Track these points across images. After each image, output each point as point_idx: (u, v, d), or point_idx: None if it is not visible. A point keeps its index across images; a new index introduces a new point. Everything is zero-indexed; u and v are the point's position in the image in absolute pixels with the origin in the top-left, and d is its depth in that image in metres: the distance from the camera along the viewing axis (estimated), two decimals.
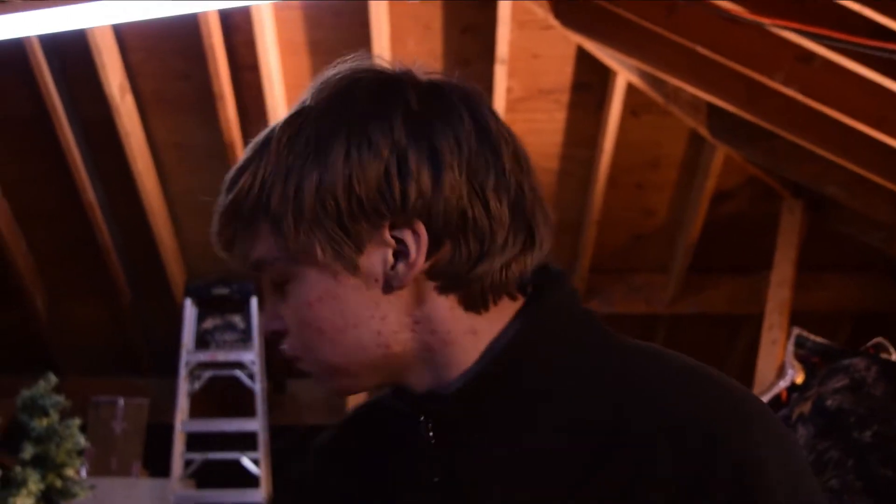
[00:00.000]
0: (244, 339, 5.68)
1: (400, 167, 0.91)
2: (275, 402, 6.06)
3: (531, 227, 0.97)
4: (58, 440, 3.73)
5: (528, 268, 0.97)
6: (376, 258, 0.93)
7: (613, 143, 4.86)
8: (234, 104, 4.84)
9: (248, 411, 5.70)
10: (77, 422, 3.87)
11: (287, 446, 6.05)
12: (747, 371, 5.27)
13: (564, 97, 4.84)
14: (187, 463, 5.62)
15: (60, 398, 3.86)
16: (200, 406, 5.86)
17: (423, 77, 0.98)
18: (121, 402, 6.11)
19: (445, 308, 0.94)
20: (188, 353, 5.62)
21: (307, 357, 0.97)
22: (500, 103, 4.67)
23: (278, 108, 4.80)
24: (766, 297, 5.02)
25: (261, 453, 5.54)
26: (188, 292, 5.66)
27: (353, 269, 0.93)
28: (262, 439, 5.54)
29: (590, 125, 4.93)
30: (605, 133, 4.83)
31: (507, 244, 0.94)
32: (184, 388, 5.63)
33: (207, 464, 5.68)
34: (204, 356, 5.64)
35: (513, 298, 0.98)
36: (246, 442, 5.64)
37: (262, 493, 5.49)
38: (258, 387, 5.61)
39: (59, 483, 3.78)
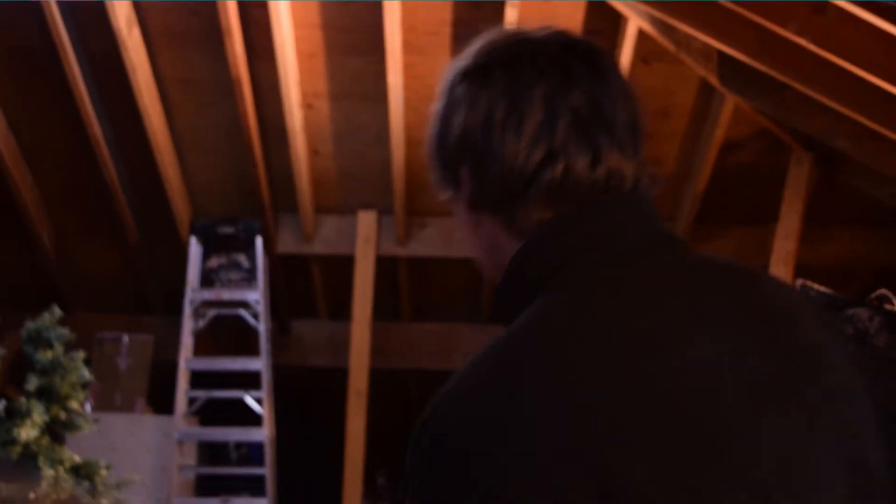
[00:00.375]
0: (249, 278, 5.69)
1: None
2: (279, 343, 6.09)
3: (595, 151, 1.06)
4: (62, 372, 3.74)
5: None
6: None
7: None
8: (241, 40, 4.80)
9: (252, 351, 5.73)
10: (81, 354, 3.89)
11: (290, 387, 6.10)
12: None
13: None
14: (191, 401, 5.65)
15: (65, 331, 3.88)
16: (205, 345, 5.88)
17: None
18: (125, 338, 6.15)
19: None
20: (193, 291, 5.63)
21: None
22: None
23: (286, 44, 4.77)
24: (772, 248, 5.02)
25: (264, 392, 5.57)
26: (193, 230, 5.65)
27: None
28: (266, 378, 5.57)
29: None
30: None
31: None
32: (188, 325, 5.64)
33: (211, 402, 5.72)
34: (208, 294, 5.65)
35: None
36: (250, 381, 5.67)
37: (265, 431, 5.53)
38: (262, 326, 5.62)
39: (62, 415, 3.80)
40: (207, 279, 5.71)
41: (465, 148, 1.08)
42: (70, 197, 5.74)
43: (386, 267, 5.84)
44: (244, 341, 5.95)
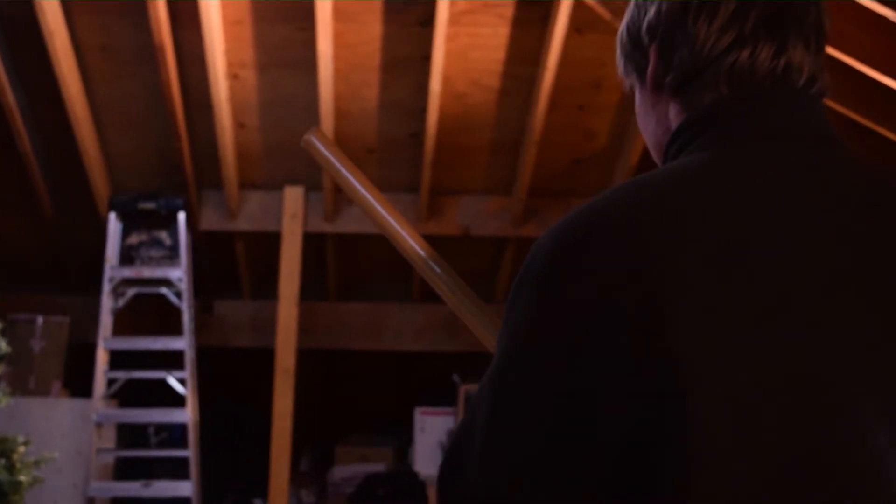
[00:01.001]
0: (171, 255, 5.51)
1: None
2: (201, 324, 5.92)
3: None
4: None
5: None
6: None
7: (557, 61, 4.75)
8: (165, 5, 4.63)
9: (174, 332, 5.55)
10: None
11: (213, 368, 5.93)
12: None
13: (509, 11, 4.71)
14: (110, 382, 5.46)
15: None
16: (125, 327, 5.68)
17: None
18: (39, 319, 5.92)
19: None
20: (112, 268, 5.44)
21: None
22: (442, 15, 4.53)
23: (211, 10, 4.61)
24: None
25: (187, 372, 5.40)
26: (112, 206, 5.45)
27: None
28: (189, 358, 5.40)
29: (533, 42, 4.81)
30: (548, 50, 4.71)
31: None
32: (107, 304, 5.44)
33: (131, 384, 5.53)
34: (128, 272, 5.46)
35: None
36: (172, 362, 5.49)
37: (188, 412, 5.36)
38: (185, 304, 5.45)
39: None
40: (127, 257, 5.52)
41: (658, 28, 1.15)
42: None
43: (313, 245, 5.71)
44: (165, 322, 5.76)
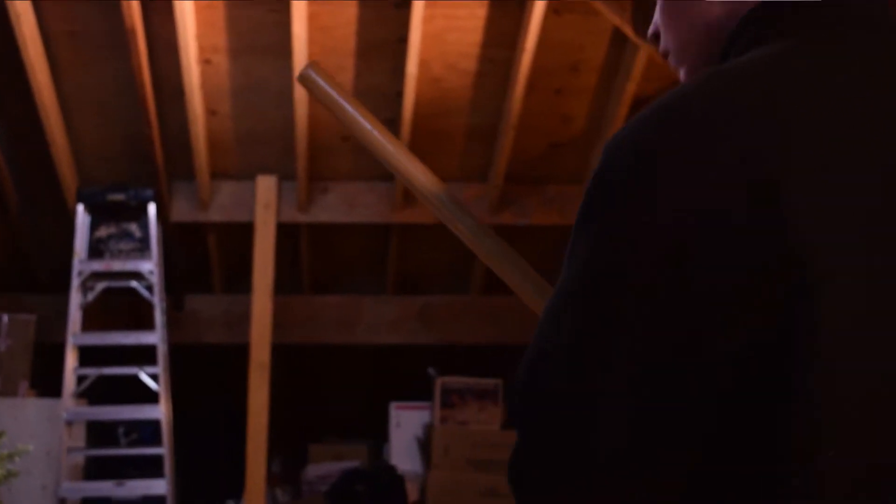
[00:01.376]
0: (141, 248, 5.38)
1: None
2: (172, 320, 5.79)
3: None
4: None
5: None
6: None
7: (535, 44, 4.71)
8: None
9: (145, 328, 5.42)
10: None
11: (185, 365, 5.80)
12: None
13: None
14: (80, 379, 5.32)
15: None
16: (94, 325, 5.55)
17: None
18: (5, 318, 5.75)
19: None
20: (80, 262, 5.30)
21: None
22: None
23: None
24: None
25: (160, 367, 5.27)
26: (80, 197, 5.32)
27: None
28: (162, 352, 5.28)
29: (511, 23, 4.76)
30: (526, 32, 4.67)
31: None
32: (76, 299, 5.31)
33: (101, 383, 5.39)
34: (98, 265, 5.33)
35: None
36: (143, 357, 5.37)
37: (161, 408, 5.23)
38: (157, 298, 5.32)
39: None
40: (96, 250, 5.39)
41: None
42: None
43: (286, 237, 5.61)
44: (136, 319, 5.64)
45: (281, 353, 5.86)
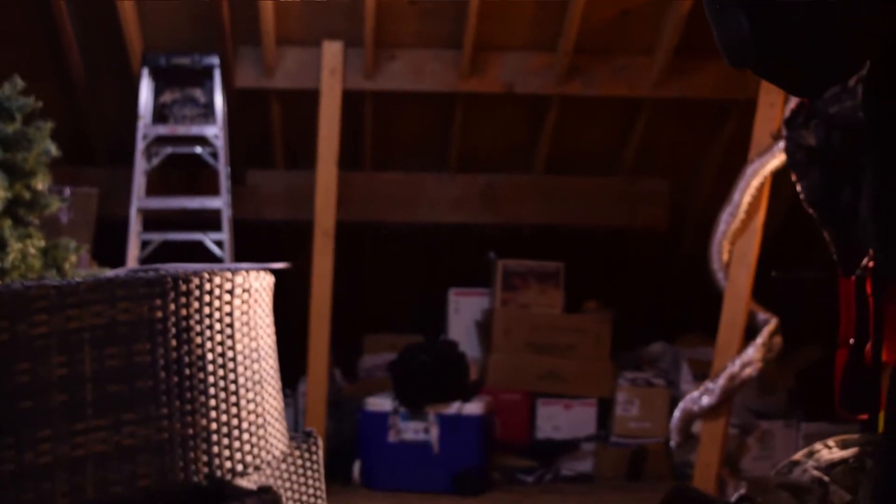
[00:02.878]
0: (206, 113, 5.35)
1: None
2: (233, 195, 5.75)
3: None
4: (27, 144, 3.40)
5: None
6: None
7: None
8: None
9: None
10: (49, 125, 3.55)
11: (246, 240, 5.78)
12: (732, 159, 5.14)
13: None
14: (144, 245, 5.32)
15: (29, 100, 3.53)
16: (157, 192, 5.54)
17: None
18: (67, 190, 5.74)
19: None
20: (145, 126, 5.28)
21: None
22: None
23: None
24: (755, 82, 4.85)
25: (225, 233, 5.26)
26: (145, 61, 5.29)
27: None
28: (227, 217, 5.26)
29: None
30: None
31: None
32: (140, 164, 5.29)
33: (164, 252, 5.38)
34: (163, 129, 5.31)
35: None
36: (207, 225, 5.35)
37: None
38: (221, 163, 5.30)
39: (27, 195, 3.46)
40: (160, 115, 5.37)
41: None
42: (8, 31, 5.31)
43: (350, 111, 5.54)
44: (198, 185, 5.61)
45: (339, 231, 5.81)
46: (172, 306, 1.51)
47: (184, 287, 1.53)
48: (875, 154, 1.17)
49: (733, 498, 4.47)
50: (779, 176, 4.47)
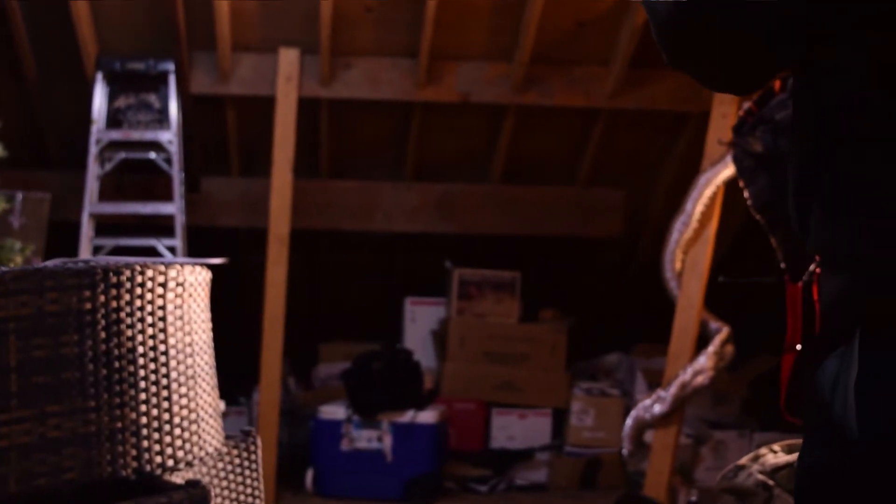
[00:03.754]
0: (160, 119, 5.32)
1: None
2: (188, 202, 5.72)
3: None
4: None
5: None
6: None
7: None
8: None
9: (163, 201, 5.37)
10: None
11: (200, 247, 5.74)
12: (688, 169, 5.16)
13: None
14: (96, 250, 5.27)
15: None
16: (109, 199, 5.49)
17: None
18: (19, 195, 5.69)
19: None
20: (99, 130, 5.24)
21: None
22: None
23: None
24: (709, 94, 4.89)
25: (178, 239, 5.22)
26: (99, 65, 5.25)
27: None
28: (180, 223, 5.22)
29: None
30: None
31: None
32: (93, 169, 5.25)
33: (119, 253, 5.34)
34: (116, 134, 5.27)
35: None
36: (160, 231, 5.31)
37: None
38: (175, 169, 5.26)
39: None
40: (114, 121, 5.32)
41: None
42: None
43: (305, 118, 5.52)
44: (151, 195, 5.57)
45: (295, 239, 5.79)
46: (102, 298, 1.50)
47: (114, 279, 1.52)
48: (794, 144, 1.18)
49: None
50: (733, 185, 4.50)
